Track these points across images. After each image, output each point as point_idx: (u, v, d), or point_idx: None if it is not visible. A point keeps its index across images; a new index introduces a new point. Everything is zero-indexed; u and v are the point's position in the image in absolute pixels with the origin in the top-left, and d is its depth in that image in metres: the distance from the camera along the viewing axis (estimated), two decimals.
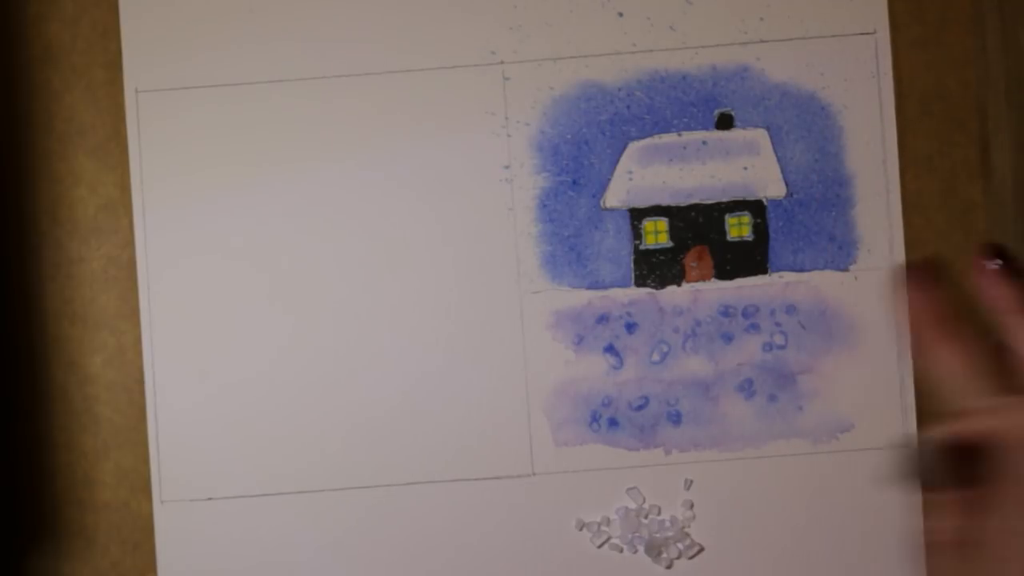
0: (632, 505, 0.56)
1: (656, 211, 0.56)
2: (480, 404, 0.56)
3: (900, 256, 0.56)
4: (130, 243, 0.57)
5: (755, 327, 0.56)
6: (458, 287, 0.56)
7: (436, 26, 0.57)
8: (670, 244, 0.56)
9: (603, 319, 0.56)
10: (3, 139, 0.57)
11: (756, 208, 0.56)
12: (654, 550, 0.55)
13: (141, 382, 0.56)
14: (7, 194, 0.57)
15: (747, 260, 0.56)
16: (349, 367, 0.56)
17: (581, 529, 0.56)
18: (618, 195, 0.56)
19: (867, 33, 0.56)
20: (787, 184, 0.56)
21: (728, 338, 0.56)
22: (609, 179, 0.56)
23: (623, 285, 0.56)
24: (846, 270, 0.56)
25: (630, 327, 0.56)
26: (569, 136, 0.57)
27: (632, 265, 0.56)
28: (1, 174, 0.57)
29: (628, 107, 0.56)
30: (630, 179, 0.56)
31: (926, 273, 0.37)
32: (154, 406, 0.56)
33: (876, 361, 0.56)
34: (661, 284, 0.56)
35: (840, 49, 0.56)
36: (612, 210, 0.56)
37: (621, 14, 0.57)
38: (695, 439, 0.56)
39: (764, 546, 0.56)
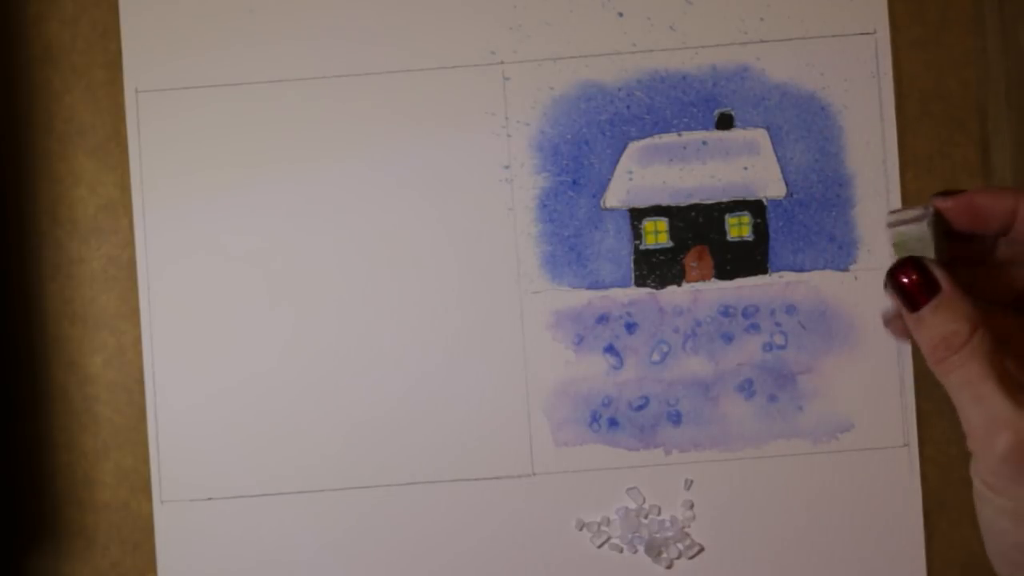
0: (632, 505, 0.56)
1: (656, 211, 0.56)
2: (480, 404, 0.56)
3: None
4: (130, 243, 0.57)
5: (755, 327, 0.56)
6: (458, 287, 0.56)
7: (436, 26, 0.57)
8: (670, 244, 0.56)
9: (603, 319, 0.56)
10: (3, 139, 0.57)
11: (756, 208, 0.56)
12: (654, 550, 0.55)
13: (141, 382, 0.56)
14: (7, 194, 0.57)
15: (747, 260, 0.56)
16: (349, 367, 0.56)
17: (581, 529, 0.56)
18: (618, 195, 0.56)
19: (867, 33, 0.56)
20: (787, 184, 0.56)
21: (728, 338, 0.56)
22: (609, 179, 0.56)
23: (623, 285, 0.56)
24: (846, 270, 0.56)
25: (630, 327, 0.56)
26: (569, 136, 0.57)
27: (632, 265, 0.56)
28: (1, 174, 0.57)
29: (628, 107, 0.56)
30: (630, 179, 0.56)
31: None
32: (154, 406, 0.56)
33: (876, 361, 0.56)
34: (661, 284, 0.56)
35: (840, 49, 0.56)
36: (612, 210, 0.56)
37: (621, 14, 0.57)
38: (695, 439, 0.56)
39: (764, 546, 0.56)
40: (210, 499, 0.56)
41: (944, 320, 0.44)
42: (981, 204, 0.45)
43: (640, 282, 0.56)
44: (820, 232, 0.56)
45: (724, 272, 0.56)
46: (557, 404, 0.56)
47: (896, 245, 0.45)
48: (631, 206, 0.56)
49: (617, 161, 0.56)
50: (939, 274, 0.44)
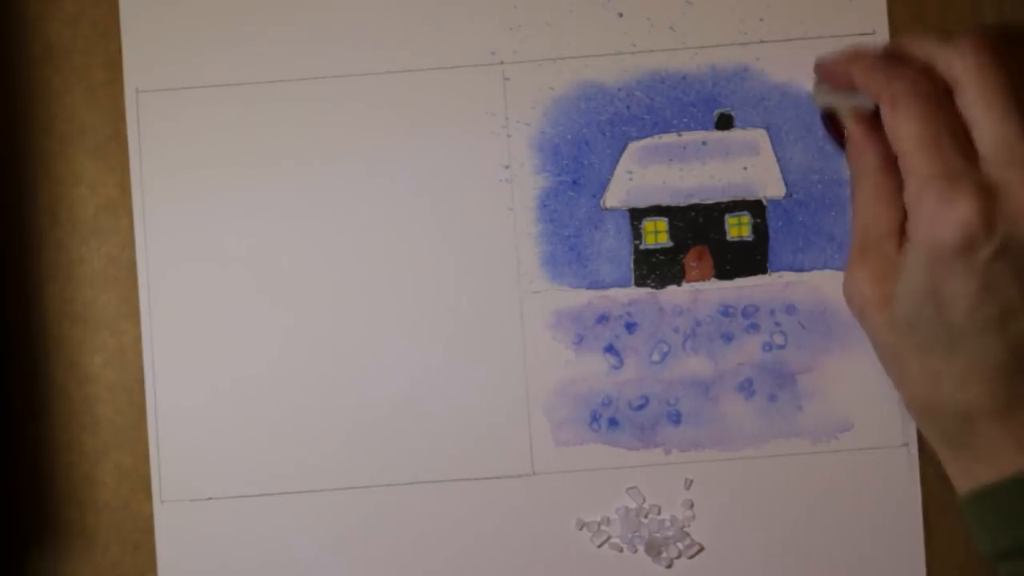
0: (632, 505, 0.56)
1: (656, 211, 0.56)
2: (480, 404, 0.56)
3: None
4: (130, 243, 0.57)
5: (755, 327, 0.56)
6: (458, 287, 0.56)
7: (436, 26, 0.57)
8: (670, 244, 0.56)
9: (603, 319, 0.56)
10: (3, 139, 0.57)
11: (756, 208, 0.56)
12: (654, 550, 0.55)
13: (141, 382, 0.56)
14: (7, 194, 0.57)
15: (747, 260, 0.56)
16: (349, 367, 0.56)
17: (581, 529, 0.56)
18: (618, 195, 0.56)
19: (867, 34, 0.56)
20: (787, 184, 0.56)
21: (728, 338, 0.56)
22: (609, 179, 0.56)
23: (623, 285, 0.56)
24: None
25: (630, 327, 0.56)
26: (569, 136, 0.57)
27: (632, 265, 0.56)
28: (1, 174, 0.57)
29: (628, 107, 0.57)
30: (630, 179, 0.56)
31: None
32: (154, 406, 0.56)
33: (876, 361, 0.55)
34: (661, 284, 0.56)
35: (840, 49, 0.56)
36: (612, 210, 0.56)
37: (621, 14, 0.57)
38: (695, 439, 0.56)
39: (764, 546, 0.56)
40: (210, 499, 0.56)
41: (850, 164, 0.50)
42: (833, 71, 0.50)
43: (640, 282, 0.56)
44: (820, 232, 0.56)
45: (724, 272, 0.56)
46: (557, 404, 0.56)
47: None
48: (631, 206, 0.56)
49: (617, 161, 0.56)
50: (845, 122, 0.50)
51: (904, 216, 0.47)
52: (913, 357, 0.46)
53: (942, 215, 0.43)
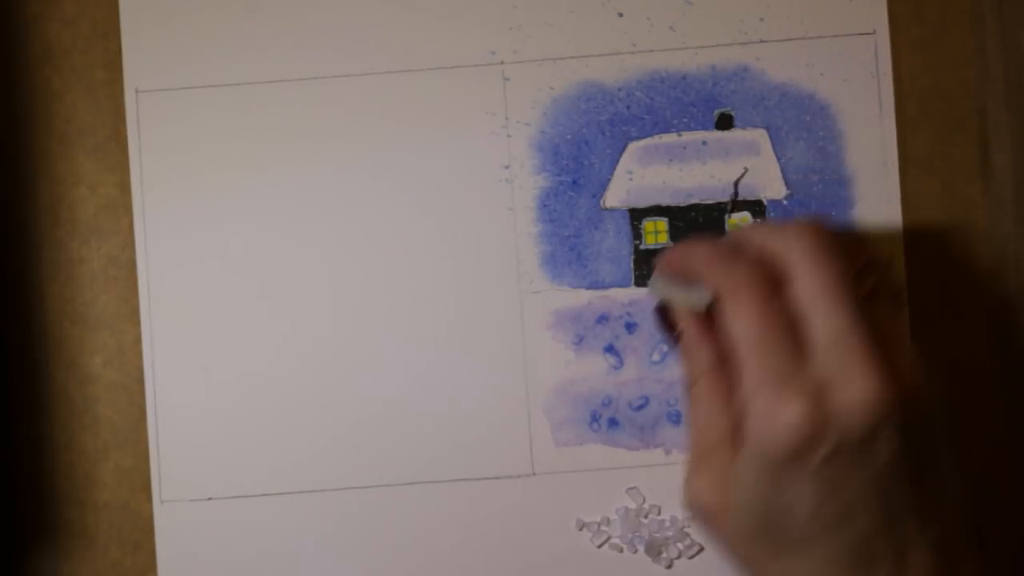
0: (632, 505, 0.56)
1: (656, 211, 0.56)
2: (480, 404, 0.56)
3: (899, 255, 0.56)
4: (130, 243, 0.57)
5: None
6: (458, 287, 0.56)
7: (436, 26, 0.57)
8: (670, 244, 0.56)
9: (603, 319, 0.56)
10: (3, 139, 0.57)
11: (756, 208, 0.56)
12: (654, 550, 0.55)
13: (141, 382, 0.56)
14: (7, 194, 0.57)
15: None
16: (349, 367, 0.56)
17: (581, 529, 0.56)
18: (618, 195, 0.56)
19: (867, 33, 0.56)
20: (787, 184, 0.56)
21: None
22: (609, 179, 0.56)
23: (623, 285, 0.56)
24: None
25: (630, 327, 0.56)
26: (569, 136, 0.57)
27: (632, 265, 0.56)
28: (1, 174, 0.57)
29: (628, 107, 0.57)
30: (630, 179, 0.56)
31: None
32: (154, 406, 0.56)
33: None
34: None
35: (840, 49, 0.56)
36: (612, 210, 0.56)
37: (621, 14, 0.57)
38: None
39: None
40: (210, 499, 0.56)
41: (684, 362, 0.50)
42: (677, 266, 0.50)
43: (640, 282, 0.56)
44: None
45: None
46: (557, 404, 0.56)
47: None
48: (631, 206, 0.56)
49: (617, 161, 0.56)
50: (680, 322, 0.49)
51: (738, 420, 0.45)
52: (766, 562, 0.45)
53: (773, 420, 0.42)
